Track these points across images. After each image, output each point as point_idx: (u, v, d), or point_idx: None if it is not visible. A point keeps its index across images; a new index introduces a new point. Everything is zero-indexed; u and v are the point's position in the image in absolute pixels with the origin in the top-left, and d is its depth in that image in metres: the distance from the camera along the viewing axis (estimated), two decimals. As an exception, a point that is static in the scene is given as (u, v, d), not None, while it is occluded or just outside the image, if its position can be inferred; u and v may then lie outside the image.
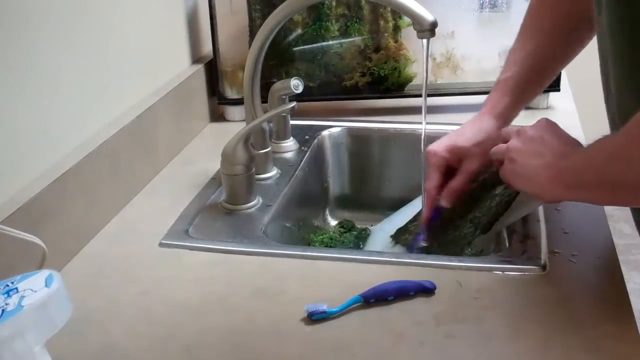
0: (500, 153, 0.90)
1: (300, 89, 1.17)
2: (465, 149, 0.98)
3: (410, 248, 1.03)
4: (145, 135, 1.14)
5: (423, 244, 1.02)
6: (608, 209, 1.00)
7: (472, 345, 0.74)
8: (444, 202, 0.99)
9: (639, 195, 0.74)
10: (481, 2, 1.36)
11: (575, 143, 0.84)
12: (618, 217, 2.89)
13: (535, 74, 1.01)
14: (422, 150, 1.03)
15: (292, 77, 1.19)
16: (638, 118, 0.68)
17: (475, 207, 0.99)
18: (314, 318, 0.78)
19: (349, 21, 1.35)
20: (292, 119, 1.28)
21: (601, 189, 0.76)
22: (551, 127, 0.87)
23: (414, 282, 0.83)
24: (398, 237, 1.06)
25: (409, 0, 0.95)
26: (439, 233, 1.01)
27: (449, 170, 0.99)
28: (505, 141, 0.90)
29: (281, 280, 0.87)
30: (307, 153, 1.26)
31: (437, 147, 0.99)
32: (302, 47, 1.37)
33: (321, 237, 1.19)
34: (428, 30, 0.94)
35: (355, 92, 1.41)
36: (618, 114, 0.85)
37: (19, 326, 0.58)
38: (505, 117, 1.00)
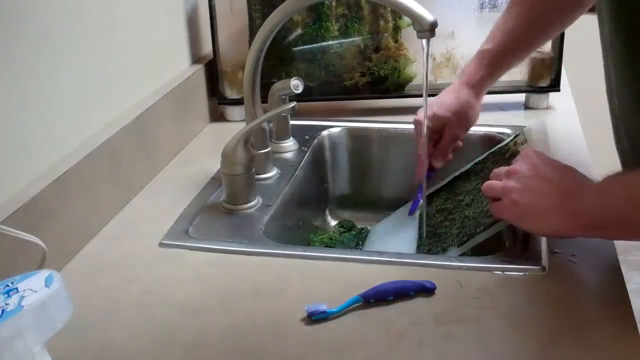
0: (494, 191, 0.89)
1: (300, 89, 1.17)
2: (445, 117, 1.09)
3: (411, 210, 1.14)
4: (145, 135, 1.14)
5: (421, 201, 1.11)
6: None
7: (472, 345, 0.74)
8: (437, 163, 1.11)
9: None
10: (481, 2, 1.36)
11: (574, 173, 0.83)
12: (618, 217, 2.88)
13: (510, 51, 1.09)
14: (424, 150, 1.03)
15: (292, 77, 1.19)
16: None
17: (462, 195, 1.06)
18: (314, 318, 0.78)
19: (349, 21, 1.35)
20: (292, 119, 1.28)
21: (622, 231, 0.78)
22: (541, 158, 0.86)
23: (414, 282, 0.83)
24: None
25: (409, 0, 0.95)
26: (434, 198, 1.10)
27: (435, 134, 1.11)
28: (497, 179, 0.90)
29: (281, 280, 0.87)
30: (307, 153, 1.26)
31: (420, 117, 1.08)
32: (302, 47, 1.37)
33: (321, 237, 1.19)
34: (428, 30, 0.94)
35: (355, 92, 1.41)
36: (623, 121, 0.85)
37: (19, 326, 0.58)
38: (480, 87, 1.10)
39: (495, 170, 0.92)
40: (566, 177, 0.83)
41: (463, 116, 1.09)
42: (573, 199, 0.80)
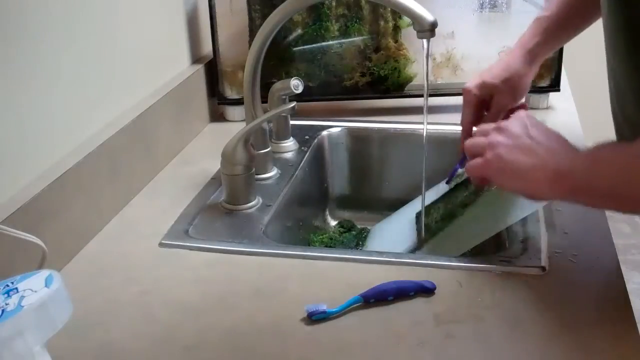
0: (478, 147, 0.86)
1: (300, 89, 1.17)
2: (494, 85, 1.03)
3: (448, 178, 1.09)
4: (145, 135, 1.14)
5: (460, 170, 1.06)
6: (608, 209, 1.00)
7: (472, 345, 0.74)
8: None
9: None
10: (481, 2, 1.36)
11: (563, 139, 0.82)
12: (618, 217, 2.89)
13: (567, 20, 1.04)
14: (424, 150, 1.03)
15: (292, 77, 1.19)
16: None
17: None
18: (314, 318, 0.78)
19: (349, 21, 1.35)
20: (292, 119, 1.28)
21: (609, 198, 0.75)
22: (532, 120, 0.85)
23: (414, 282, 0.83)
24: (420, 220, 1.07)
25: (409, 0, 0.95)
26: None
27: (483, 105, 1.04)
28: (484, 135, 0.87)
29: (281, 280, 0.87)
30: (307, 153, 1.26)
31: (469, 84, 1.04)
32: (302, 47, 1.37)
33: (321, 237, 1.19)
34: (428, 30, 0.94)
35: (355, 92, 1.41)
36: (621, 113, 0.85)
37: (19, 326, 0.58)
38: (535, 54, 1.04)
39: (482, 126, 0.90)
40: (555, 140, 0.82)
41: (513, 85, 1.03)
42: (560, 160, 0.78)
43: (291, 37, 1.36)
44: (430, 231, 1.04)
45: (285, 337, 0.77)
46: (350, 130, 1.35)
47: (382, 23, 1.36)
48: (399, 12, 1.28)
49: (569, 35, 1.09)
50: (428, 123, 1.02)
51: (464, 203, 0.99)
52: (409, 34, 1.36)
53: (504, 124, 0.85)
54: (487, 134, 0.85)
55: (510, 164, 0.81)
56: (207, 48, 1.43)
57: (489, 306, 0.80)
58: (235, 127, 1.24)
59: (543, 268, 0.86)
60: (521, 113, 0.87)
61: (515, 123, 0.84)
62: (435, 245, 1.02)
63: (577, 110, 1.39)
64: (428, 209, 1.08)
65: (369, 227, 1.24)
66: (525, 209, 0.95)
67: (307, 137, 1.31)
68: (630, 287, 0.86)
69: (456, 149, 1.07)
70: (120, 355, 0.75)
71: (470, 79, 1.05)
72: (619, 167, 0.73)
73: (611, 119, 0.93)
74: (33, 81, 0.89)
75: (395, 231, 1.16)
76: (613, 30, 0.84)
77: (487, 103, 1.04)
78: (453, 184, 1.08)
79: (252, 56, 1.08)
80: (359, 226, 1.25)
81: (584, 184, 0.76)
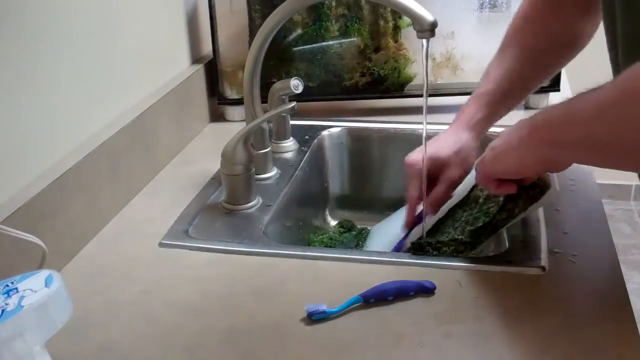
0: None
1: (300, 89, 1.17)
2: (445, 158, 1.01)
3: (395, 248, 1.05)
4: (145, 135, 1.14)
5: (407, 246, 1.02)
6: (608, 209, 1.00)
7: (472, 345, 0.74)
8: (429, 211, 1.01)
9: (624, 157, 0.70)
10: (481, 2, 1.36)
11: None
12: (618, 217, 2.90)
13: (509, 93, 1.04)
14: (424, 150, 1.03)
15: (292, 77, 1.19)
16: (633, 73, 0.65)
17: (458, 214, 0.99)
18: (314, 318, 0.78)
19: (349, 21, 1.35)
20: (292, 119, 1.28)
21: (584, 147, 0.73)
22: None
23: (414, 282, 0.83)
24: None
25: (409, 0, 0.95)
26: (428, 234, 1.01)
27: (430, 179, 1.00)
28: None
29: (281, 280, 0.87)
30: (307, 153, 1.26)
31: (416, 156, 1.01)
32: (302, 47, 1.37)
33: (321, 237, 1.19)
34: (428, 30, 0.94)
35: (355, 92, 1.41)
36: None
37: (19, 326, 0.58)
38: (479, 129, 1.04)
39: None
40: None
41: (463, 158, 1.01)
42: (535, 116, 0.79)
43: (291, 37, 1.36)
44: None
45: (285, 337, 0.77)
46: (350, 130, 1.35)
47: (382, 23, 1.36)
48: (399, 12, 1.28)
49: (513, 105, 1.08)
50: (428, 123, 1.01)
51: (495, 225, 0.96)
52: (409, 34, 1.36)
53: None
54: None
55: (500, 147, 0.83)
56: (207, 48, 1.43)
57: (489, 306, 0.80)
58: (235, 127, 1.25)
59: (543, 268, 0.86)
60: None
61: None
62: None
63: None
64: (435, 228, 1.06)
65: (369, 227, 1.24)
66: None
67: (307, 137, 1.31)
68: (630, 287, 0.86)
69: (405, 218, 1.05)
70: (120, 355, 0.75)
71: (413, 153, 1.02)
72: (595, 112, 0.70)
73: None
74: (33, 81, 0.89)
75: (394, 231, 1.16)
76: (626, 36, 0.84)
77: (435, 177, 1.01)
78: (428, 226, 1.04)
79: (252, 56, 1.08)
80: (359, 226, 1.25)
81: (556, 133, 0.75)
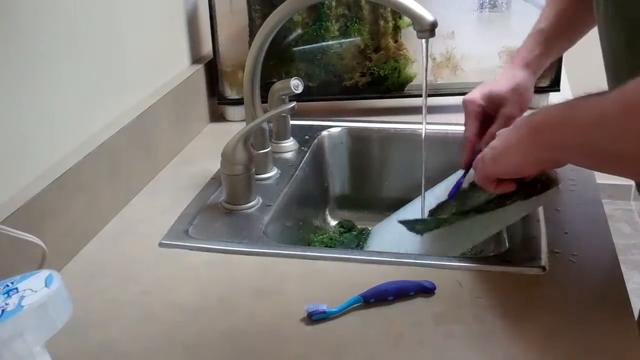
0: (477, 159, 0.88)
1: (300, 89, 1.17)
2: (501, 95, 1.01)
3: (452, 191, 1.03)
4: (145, 135, 1.14)
5: (464, 186, 1.02)
6: (608, 209, 1.00)
7: (472, 345, 0.74)
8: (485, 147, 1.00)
9: (623, 167, 0.71)
10: (481, 2, 1.36)
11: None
12: (618, 217, 2.90)
13: (563, 31, 1.04)
14: (423, 151, 1.03)
15: (292, 77, 1.19)
16: (635, 87, 0.65)
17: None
18: (314, 318, 0.78)
19: (349, 21, 1.35)
20: (292, 119, 1.28)
21: (583, 154, 0.74)
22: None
23: (414, 282, 0.83)
24: (412, 224, 1.03)
25: (409, 0, 0.95)
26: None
27: (487, 117, 1.01)
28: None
29: (281, 280, 0.87)
30: (307, 153, 1.26)
31: (473, 95, 1.02)
32: (302, 47, 1.37)
33: (321, 237, 1.19)
34: (428, 30, 0.94)
35: (355, 92, 1.41)
36: None
37: (19, 326, 0.58)
38: (535, 67, 1.04)
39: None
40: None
41: (520, 95, 1.02)
42: (534, 117, 0.79)
43: (291, 37, 1.36)
44: (436, 222, 1.01)
45: (285, 337, 0.77)
46: (350, 130, 1.35)
47: (382, 23, 1.36)
48: (399, 12, 1.28)
49: (565, 46, 1.09)
50: (428, 123, 1.02)
51: (481, 208, 0.96)
52: (409, 34, 1.36)
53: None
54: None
55: (499, 146, 0.83)
56: (207, 48, 1.43)
57: (489, 306, 0.80)
58: (235, 127, 1.25)
59: (543, 268, 0.86)
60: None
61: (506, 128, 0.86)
62: (436, 236, 1.01)
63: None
64: (440, 206, 1.06)
65: (369, 227, 1.24)
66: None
67: (307, 137, 1.31)
68: (630, 287, 0.86)
69: (459, 154, 1.05)
70: (120, 355, 0.75)
71: (473, 91, 1.03)
72: (596, 121, 0.70)
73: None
74: (33, 81, 0.89)
75: (395, 231, 1.16)
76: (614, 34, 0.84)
77: (490, 115, 1.02)
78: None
79: (252, 56, 1.08)
80: (359, 226, 1.25)
81: (555, 136, 0.75)
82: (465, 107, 1.02)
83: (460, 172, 1.05)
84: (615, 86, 0.78)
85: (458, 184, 1.04)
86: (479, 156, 0.88)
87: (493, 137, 0.95)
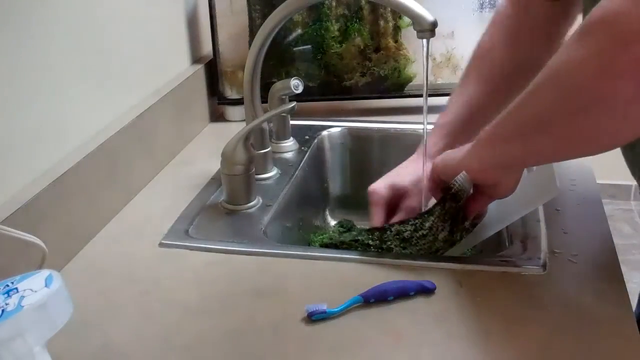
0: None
1: (300, 89, 1.17)
2: (404, 187, 1.03)
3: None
4: (145, 135, 1.14)
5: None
6: (608, 209, 1.00)
7: (472, 345, 0.74)
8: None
9: (551, 139, 0.74)
10: (481, 2, 1.36)
11: None
12: (618, 217, 2.90)
13: (470, 122, 1.05)
14: (424, 150, 1.03)
15: (292, 77, 1.19)
16: (547, 70, 0.72)
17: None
18: (314, 318, 0.78)
19: (349, 21, 1.35)
20: (292, 119, 1.28)
21: (515, 138, 0.79)
22: None
23: (414, 282, 0.83)
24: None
25: (409, 0, 0.95)
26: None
27: (390, 208, 1.03)
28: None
29: (281, 280, 0.87)
30: (307, 153, 1.26)
31: (377, 185, 1.03)
32: (302, 47, 1.37)
33: (321, 237, 1.19)
34: (428, 30, 0.94)
35: (355, 92, 1.41)
36: None
37: (19, 326, 0.58)
38: None
39: None
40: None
41: (421, 188, 1.03)
42: (474, 144, 0.86)
43: (291, 37, 1.36)
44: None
45: (285, 337, 0.77)
46: (350, 130, 1.35)
47: (382, 23, 1.36)
48: (399, 12, 1.28)
49: (470, 137, 1.09)
50: (428, 123, 1.01)
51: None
52: (409, 34, 1.36)
53: None
54: None
55: (450, 154, 0.90)
56: (207, 48, 1.43)
57: (489, 306, 0.80)
58: (235, 127, 1.25)
59: (543, 268, 0.86)
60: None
61: None
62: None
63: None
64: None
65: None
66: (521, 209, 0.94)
67: (307, 137, 1.31)
68: (630, 287, 0.86)
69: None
70: (120, 355, 0.75)
71: (377, 182, 1.04)
72: (519, 102, 0.77)
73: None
74: (33, 81, 0.89)
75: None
76: None
77: (394, 205, 1.04)
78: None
79: (252, 56, 1.08)
80: (359, 226, 1.25)
81: (493, 134, 0.82)
82: (370, 196, 1.04)
83: None
84: None
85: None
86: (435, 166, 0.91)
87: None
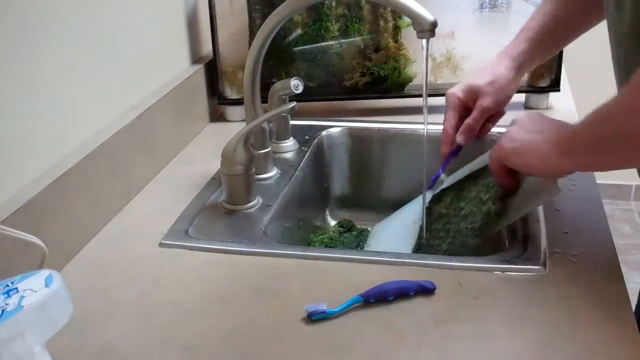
0: (496, 154, 0.92)
1: (300, 89, 1.17)
2: (479, 87, 1.05)
3: (429, 185, 1.09)
4: (145, 135, 1.14)
5: (443, 177, 1.09)
6: (608, 209, 1.00)
7: (472, 345, 0.74)
8: (460, 139, 1.05)
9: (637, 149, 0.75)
10: (481, 2, 1.36)
11: (556, 120, 0.88)
12: (618, 217, 2.90)
13: (552, 31, 1.06)
14: (424, 150, 1.03)
15: (292, 77, 1.19)
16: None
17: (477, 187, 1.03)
18: (314, 318, 0.78)
19: (349, 21, 1.35)
20: (292, 119, 1.28)
21: (599, 148, 0.79)
22: (544, 115, 0.91)
23: (414, 282, 0.83)
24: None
25: (409, 0, 0.95)
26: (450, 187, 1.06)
27: (466, 110, 1.06)
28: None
29: (281, 280, 0.87)
30: (307, 153, 1.26)
31: (454, 88, 1.06)
32: (302, 47, 1.37)
33: (321, 237, 1.19)
34: (428, 30, 0.94)
35: (355, 92, 1.41)
36: None
37: (19, 326, 0.58)
38: (521, 62, 1.06)
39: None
40: (550, 121, 0.89)
41: (497, 88, 1.05)
42: (558, 129, 0.85)
43: (291, 37, 1.36)
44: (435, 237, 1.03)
45: (285, 337, 0.77)
46: (350, 130, 1.35)
47: (382, 23, 1.36)
48: (399, 12, 1.28)
49: (557, 45, 1.11)
50: (428, 123, 1.02)
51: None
52: (409, 34, 1.36)
53: (518, 117, 0.91)
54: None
55: (520, 142, 0.87)
56: (207, 48, 1.43)
57: (489, 306, 0.80)
58: (235, 127, 1.25)
59: (543, 268, 0.86)
60: (534, 112, 0.92)
61: (527, 116, 0.91)
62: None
63: (577, 110, 1.39)
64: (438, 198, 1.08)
65: (369, 227, 1.24)
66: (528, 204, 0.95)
67: (307, 137, 1.31)
68: (630, 287, 0.86)
69: (439, 153, 1.09)
70: (120, 355, 0.75)
71: (455, 85, 1.07)
72: (606, 112, 0.77)
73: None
74: (33, 81, 0.89)
75: (395, 231, 1.16)
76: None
77: (470, 108, 1.06)
78: (438, 188, 1.09)
79: (252, 56, 1.08)
80: (359, 226, 1.25)
81: (576, 141, 0.81)
82: (447, 100, 1.07)
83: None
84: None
85: (437, 175, 1.10)
86: (498, 145, 0.91)
87: (470, 128, 1.05)
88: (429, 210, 1.08)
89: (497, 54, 1.08)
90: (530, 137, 0.87)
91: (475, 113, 1.05)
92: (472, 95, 1.05)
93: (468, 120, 1.05)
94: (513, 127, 0.91)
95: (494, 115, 1.07)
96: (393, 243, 1.11)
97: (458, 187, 1.09)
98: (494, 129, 1.09)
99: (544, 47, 1.08)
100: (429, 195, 1.09)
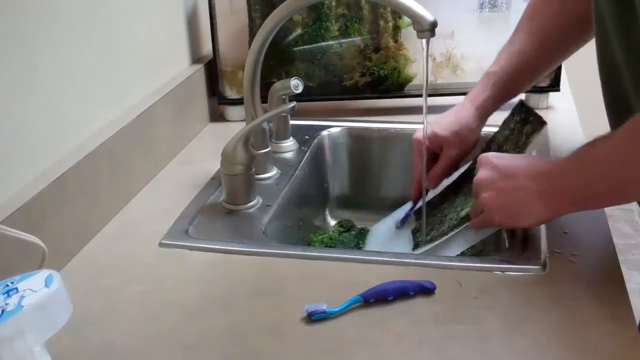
0: (476, 209, 0.93)
1: (300, 89, 1.17)
2: (443, 137, 1.06)
3: (401, 222, 1.14)
4: (145, 135, 1.14)
5: (413, 216, 1.12)
6: (608, 209, 1.00)
7: (472, 345, 0.74)
8: (430, 185, 1.08)
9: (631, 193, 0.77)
10: (481, 2, 1.36)
11: (536, 158, 0.90)
12: (618, 217, 2.90)
13: (517, 74, 1.05)
14: (424, 150, 1.03)
15: (292, 77, 1.19)
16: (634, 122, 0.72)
17: (458, 195, 1.06)
18: (314, 318, 0.78)
19: (348, 21, 1.35)
20: (292, 119, 1.28)
21: (614, 194, 0.80)
22: (497, 158, 0.91)
23: (414, 282, 0.83)
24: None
25: (409, 0, 0.95)
26: (428, 212, 1.07)
27: (432, 154, 1.07)
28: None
29: (281, 280, 0.87)
30: (307, 153, 1.26)
31: (419, 134, 1.06)
32: (302, 47, 1.37)
33: (321, 237, 1.19)
34: (428, 30, 0.94)
35: (355, 92, 1.41)
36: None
37: (19, 326, 0.58)
38: (484, 109, 1.06)
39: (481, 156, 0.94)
40: (530, 163, 0.87)
41: (462, 138, 1.05)
42: (552, 182, 0.84)
43: (291, 37, 1.36)
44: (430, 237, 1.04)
45: (285, 337, 0.77)
46: (350, 130, 1.35)
47: (382, 23, 1.36)
48: (399, 12, 1.28)
49: (521, 88, 1.10)
50: (428, 123, 1.02)
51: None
52: (409, 34, 1.36)
53: (477, 178, 0.90)
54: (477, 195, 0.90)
55: (508, 206, 0.87)
56: (207, 48, 1.43)
57: (489, 306, 0.80)
58: (235, 127, 1.24)
59: (543, 268, 0.86)
60: (482, 158, 0.91)
61: (485, 172, 0.89)
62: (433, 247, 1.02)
63: (577, 110, 1.39)
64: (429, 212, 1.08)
65: (368, 227, 1.24)
66: None
67: (307, 137, 1.31)
68: (630, 287, 0.86)
69: (411, 192, 1.12)
70: (120, 355, 0.75)
71: (418, 131, 1.07)
72: (620, 162, 0.77)
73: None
74: (33, 81, 0.89)
75: (392, 231, 1.16)
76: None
77: (436, 154, 1.07)
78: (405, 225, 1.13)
79: (252, 56, 1.08)
80: (358, 226, 1.25)
81: (586, 192, 0.81)
82: (412, 146, 1.08)
83: (408, 205, 1.15)
84: (614, 106, 0.80)
85: (407, 215, 1.13)
86: (484, 200, 0.89)
87: (437, 176, 1.08)
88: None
89: (464, 98, 1.08)
90: (513, 199, 0.86)
91: (442, 162, 1.07)
92: (438, 144, 1.07)
93: (435, 169, 1.07)
94: (484, 191, 0.88)
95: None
96: (392, 243, 1.11)
97: (451, 189, 1.10)
98: (485, 128, 1.10)
99: (512, 90, 1.08)
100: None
